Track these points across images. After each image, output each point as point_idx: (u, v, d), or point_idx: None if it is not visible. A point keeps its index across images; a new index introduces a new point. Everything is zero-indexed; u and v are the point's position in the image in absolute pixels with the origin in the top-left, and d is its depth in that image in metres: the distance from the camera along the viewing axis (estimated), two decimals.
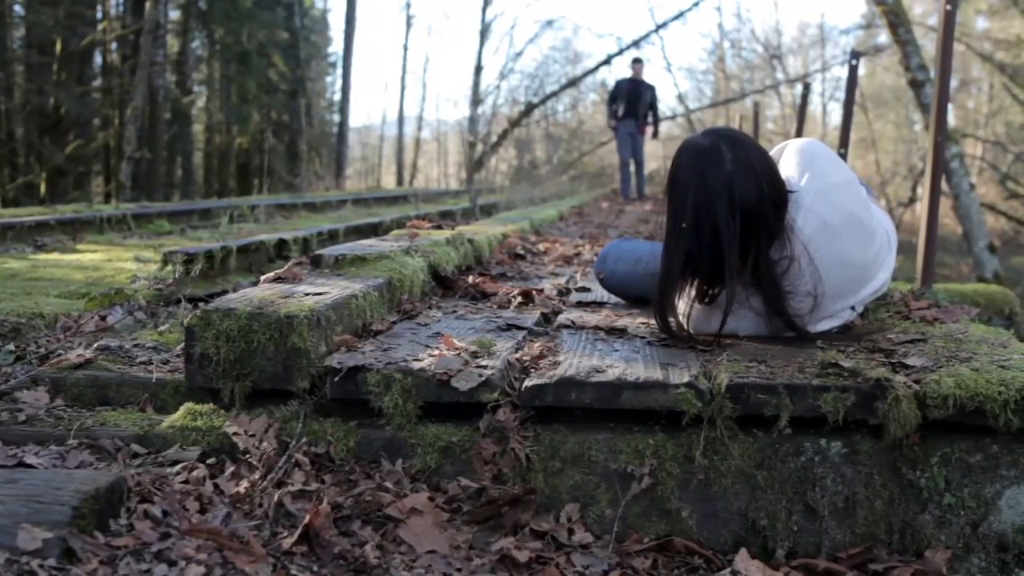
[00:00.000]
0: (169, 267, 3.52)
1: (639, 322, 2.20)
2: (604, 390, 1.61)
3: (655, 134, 11.92)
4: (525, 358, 1.82)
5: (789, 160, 2.03)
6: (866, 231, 1.98)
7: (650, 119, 11.69)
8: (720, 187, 1.84)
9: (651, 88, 11.79)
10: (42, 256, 4.49)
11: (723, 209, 1.83)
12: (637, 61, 12.04)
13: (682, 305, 1.97)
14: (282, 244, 4.48)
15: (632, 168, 11.76)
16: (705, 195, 1.85)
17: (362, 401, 1.67)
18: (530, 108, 27.73)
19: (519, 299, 2.47)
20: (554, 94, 28.45)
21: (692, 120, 28.01)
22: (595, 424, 1.65)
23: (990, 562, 1.56)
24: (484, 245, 3.49)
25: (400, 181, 28.71)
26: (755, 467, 1.60)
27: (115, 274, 3.68)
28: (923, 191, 3.43)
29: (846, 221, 1.93)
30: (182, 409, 1.74)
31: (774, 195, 1.87)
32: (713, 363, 1.72)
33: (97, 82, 17.48)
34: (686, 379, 1.60)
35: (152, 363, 2.12)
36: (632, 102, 11.47)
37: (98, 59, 17.75)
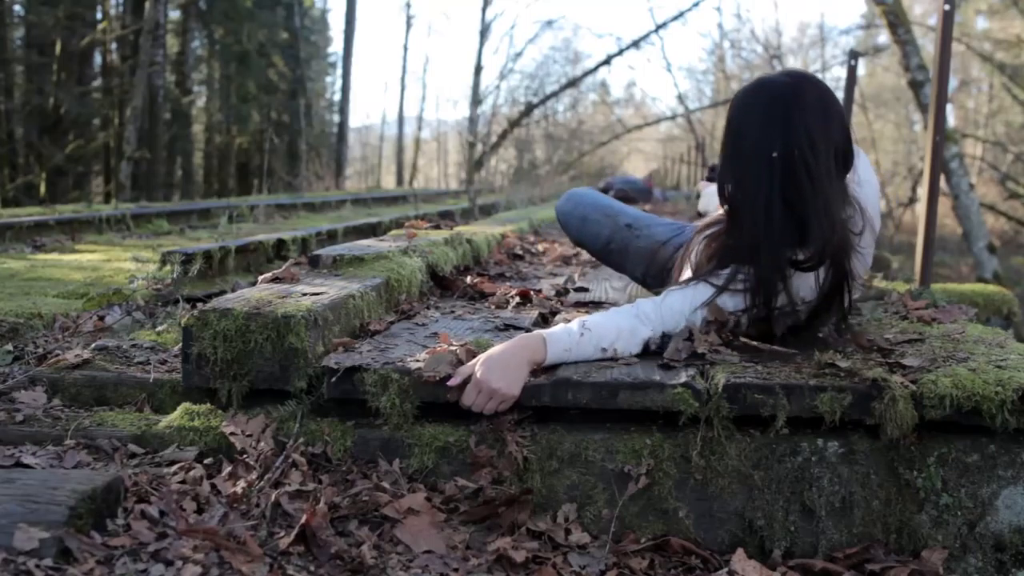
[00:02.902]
0: (167, 267, 3.52)
1: None
2: (601, 390, 1.61)
3: None
4: None
5: None
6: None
7: None
8: (815, 120, 1.73)
9: None
10: (41, 256, 4.49)
11: (822, 142, 1.72)
12: None
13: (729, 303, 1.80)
14: (280, 244, 4.48)
15: None
16: (801, 127, 1.72)
17: (359, 401, 1.67)
18: (530, 108, 27.72)
19: (517, 299, 2.46)
20: (554, 94, 28.45)
21: (692, 120, 27.99)
22: (592, 424, 1.65)
23: (987, 562, 1.56)
24: (482, 245, 3.49)
25: (400, 181, 28.72)
26: (752, 467, 1.60)
27: (113, 274, 3.67)
28: (922, 191, 3.43)
29: (876, 220, 1.94)
30: (179, 409, 1.75)
31: (850, 142, 1.80)
32: (710, 363, 1.72)
33: (97, 82, 17.48)
34: (683, 379, 1.60)
35: (150, 363, 2.12)
36: None
37: (98, 59, 17.75)
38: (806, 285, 1.82)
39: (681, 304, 1.80)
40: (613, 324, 1.77)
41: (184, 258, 3.53)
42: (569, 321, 2.17)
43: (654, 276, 2.45)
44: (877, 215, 1.92)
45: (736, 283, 1.77)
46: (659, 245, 2.41)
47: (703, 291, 1.79)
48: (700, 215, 2.77)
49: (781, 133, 1.73)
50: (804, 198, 1.72)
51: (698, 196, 2.87)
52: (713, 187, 2.72)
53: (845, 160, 1.80)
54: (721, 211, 1.94)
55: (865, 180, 1.90)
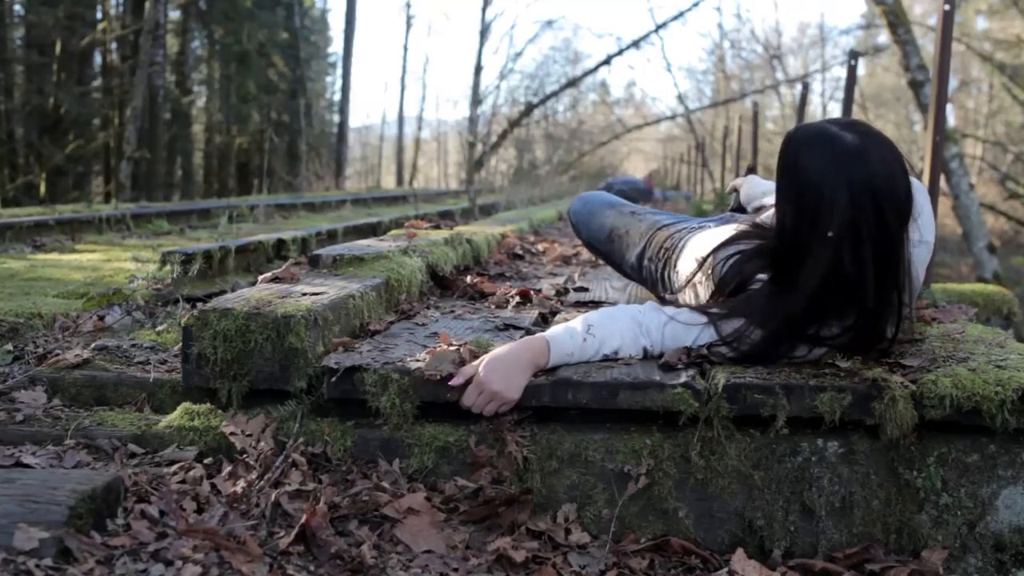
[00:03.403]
0: (167, 267, 3.52)
1: None
2: (601, 390, 1.61)
3: None
4: None
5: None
6: None
7: None
8: (885, 188, 1.57)
9: None
10: (41, 256, 4.49)
11: (892, 215, 1.57)
12: None
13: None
14: (280, 244, 4.48)
15: None
16: (869, 197, 1.56)
17: (359, 401, 1.67)
18: (530, 108, 27.73)
19: (517, 299, 2.47)
20: (554, 94, 28.46)
21: (692, 120, 27.99)
22: (592, 424, 1.65)
23: (987, 562, 1.56)
24: (482, 245, 3.49)
25: (400, 181, 28.72)
26: (752, 467, 1.60)
27: (114, 274, 3.67)
28: None
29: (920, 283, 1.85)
30: (179, 409, 1.75)
31: (911, 205, 1.64)
32: (710, 363, 1.72)
33: (97, 82, 17.48)
34: (683, 379, 1.60)
35: (150, 363, 2.12)
36: None
37: (98, 59, 17.75)
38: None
39: (684, 338, 1.74)
40: (617, 328, 1.74)
41: (184, 258, 3.53)
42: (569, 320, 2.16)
43: (651, 257, 2.44)
44: (924, 271, 1.83)
45: (743, 343, 1.69)
46: (660, 226, 2.42)
47: (707, 335, 1.73)
48: (743, 209, 2.69)
49: (846, 200, 1.57)
50: (854, 274, 1.59)
51: (732, 192, 2.81)
52: (752, 177, 2.71)
53: (908, 220, 1.65)
54: (765, 214, 1.85)
55: (923, 240, 1.78)
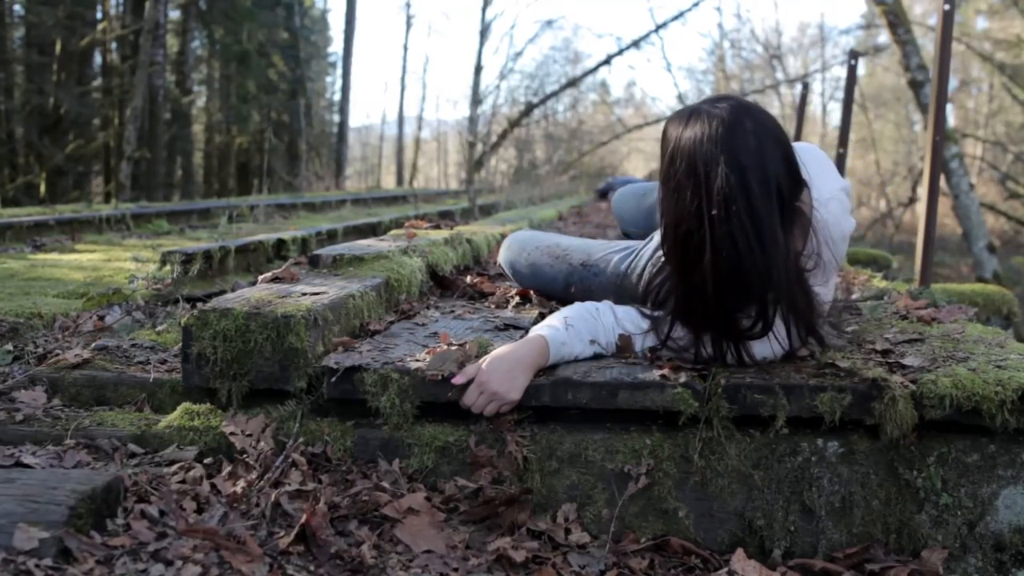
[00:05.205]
0: (167, 267, 3.52)
1: None
2: (601, 390, 1.61)
3: None
4: None
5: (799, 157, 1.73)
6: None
7: None
8: (753, 162, 1.53)
9: None
10: (41, 256, 4.49)
11: (760, 189, 1.52)
12: None
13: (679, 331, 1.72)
14: (280, 244, 4.47)
15: None
16: (737, 172, 1.52)
17: (359, 401, 1.67)
18: (530, 108, 27.72)
19: (517, 299, 2.46)
20: (554, 94, 28.44)
21: None
22: (592, 424, 1.65)
23: (987, 562, 1.57)
24: (482, 245, 3.49)
25: (400, 181, 28.72)
26: (752, 467, 1.60)
27: (114, 274, 3.67)
28: (922, 191, 3.43)
29: (848, 232, 1.82)
30: (179, 409, 1.75)
31: (796, 173, 1.62)
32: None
33: (97, 82, 17.47)
34: (683, 379, 1.60)
35: (149, 363, 2.12)
36: None
37: (98, 59, 17.74)
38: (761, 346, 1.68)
39: (633, 330, 1.80)
40: (587, 318, 1.79)
41: (184, 258, 3.53)
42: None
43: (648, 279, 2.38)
44: (845, 223, 1.77)
45: (677, 344, 1.71)
46: (621, 278, 2.20)
47: (651, 339, 1.78)
48: None
49: (714, 175, 1.53)
50: (742, 252, 1.53)
51: None
52: None
53: (792, 189, 1.60)
54: None
55: (832, 196, 1.73)
